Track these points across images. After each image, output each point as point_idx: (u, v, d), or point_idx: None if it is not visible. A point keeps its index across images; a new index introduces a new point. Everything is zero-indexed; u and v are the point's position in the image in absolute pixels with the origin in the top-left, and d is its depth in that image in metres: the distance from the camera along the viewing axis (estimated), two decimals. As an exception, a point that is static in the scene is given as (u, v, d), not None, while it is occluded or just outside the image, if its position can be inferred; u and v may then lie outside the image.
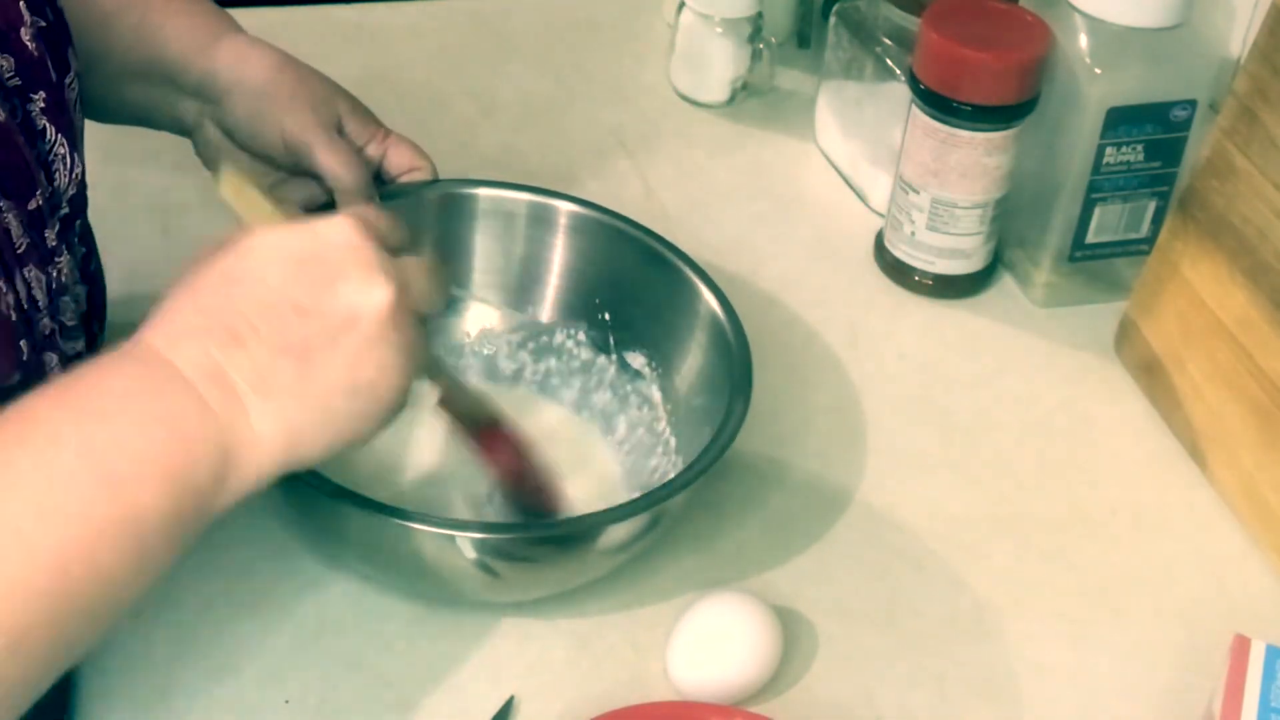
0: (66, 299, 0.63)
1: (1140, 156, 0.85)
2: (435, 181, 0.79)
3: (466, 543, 0.63)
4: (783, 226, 0.95)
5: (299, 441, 0.54)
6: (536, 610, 0.69)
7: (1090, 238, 0.88)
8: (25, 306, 0.58)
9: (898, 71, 0.92)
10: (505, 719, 0.65)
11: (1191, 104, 0.84)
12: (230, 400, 0.53)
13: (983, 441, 0.81)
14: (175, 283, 0.56)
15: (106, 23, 0.75)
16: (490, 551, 0.64)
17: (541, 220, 0.79)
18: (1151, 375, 0.84)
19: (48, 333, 0.61)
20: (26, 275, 0.59)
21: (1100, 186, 0.86)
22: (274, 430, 0.53)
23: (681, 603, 0.67)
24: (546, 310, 0.80)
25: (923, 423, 0.82)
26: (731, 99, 1.04)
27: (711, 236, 0.91)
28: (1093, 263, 0.89)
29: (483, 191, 0.79)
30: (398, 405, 0.57)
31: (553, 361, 0.80)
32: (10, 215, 0.58)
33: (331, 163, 0.75)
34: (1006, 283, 0.92)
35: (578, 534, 0.66)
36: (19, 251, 0.58)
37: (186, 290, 0.55)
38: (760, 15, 1.01)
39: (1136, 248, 0.89)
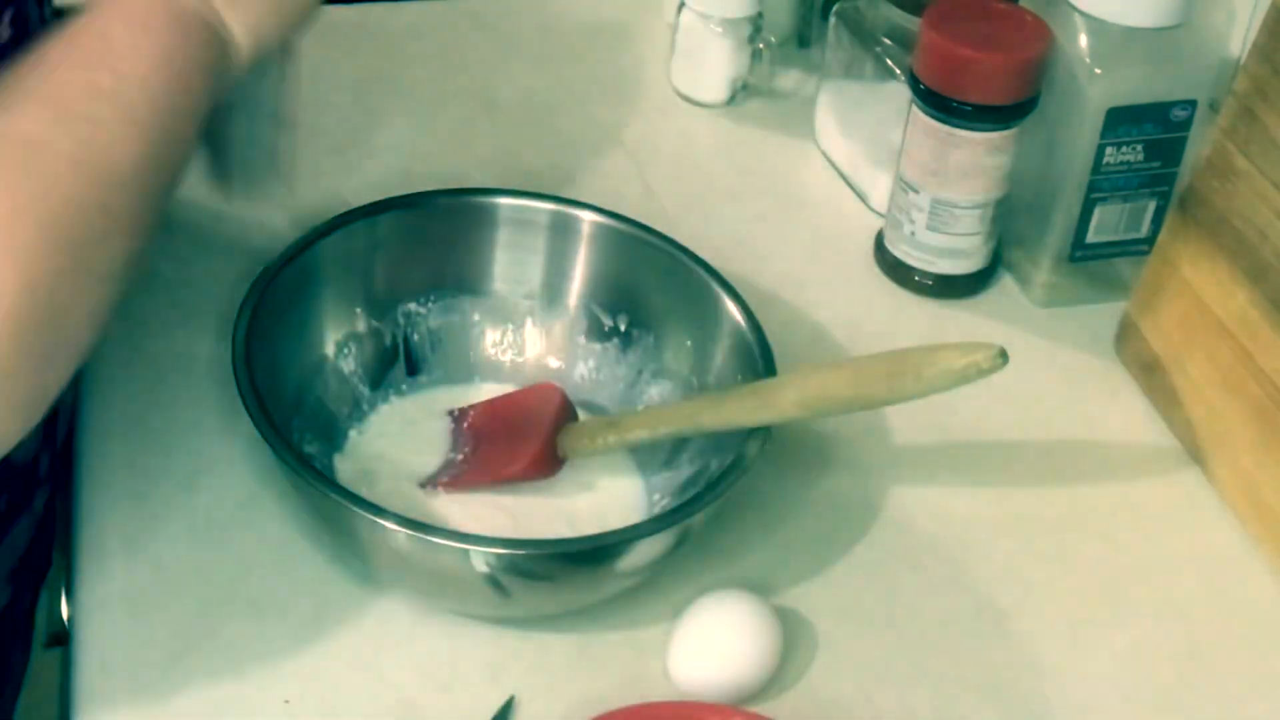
0: None
1: (1140, 156, 0.85)
2: (459, 191, 0.80)
3: (480, 557, 0.63)
4: (783, 226, 0.95)
5: (262, 38, 0.65)
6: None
7: (1090, 238, 0.88)
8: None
9: (898, 71, 0.92)
10: (505, 719, 0.65)
11: (1191, 104, 0.84)
12: (214, 17, 0.63)
13: (983, 441, 0.81)
14: None
15: None
16: (504, 568, 0.63)
17: (564, 229, 0.79)
18: (1151, 375, 0.84)
19: None
20: None
21: (1100, 186, 0.86)
22: (247, 32, 0.64)
23: (681, 602, 0.68)
24: (570, 313, 0.80)
25: (923, 423, 0.82)
26: (731, 99, 1.04)
27: (711, 236, 0.91)
28: (1093, 263, 0.89)
29: (504, 200, 0.79)
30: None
31: (580, 366, 0.80)
32: None
33: None
34: (1006, 283, 0.92)
35: (591, 552, 0.65)
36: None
37: None
38: (760, 15, 1.01)
39: (1136, 248, 0.89)
